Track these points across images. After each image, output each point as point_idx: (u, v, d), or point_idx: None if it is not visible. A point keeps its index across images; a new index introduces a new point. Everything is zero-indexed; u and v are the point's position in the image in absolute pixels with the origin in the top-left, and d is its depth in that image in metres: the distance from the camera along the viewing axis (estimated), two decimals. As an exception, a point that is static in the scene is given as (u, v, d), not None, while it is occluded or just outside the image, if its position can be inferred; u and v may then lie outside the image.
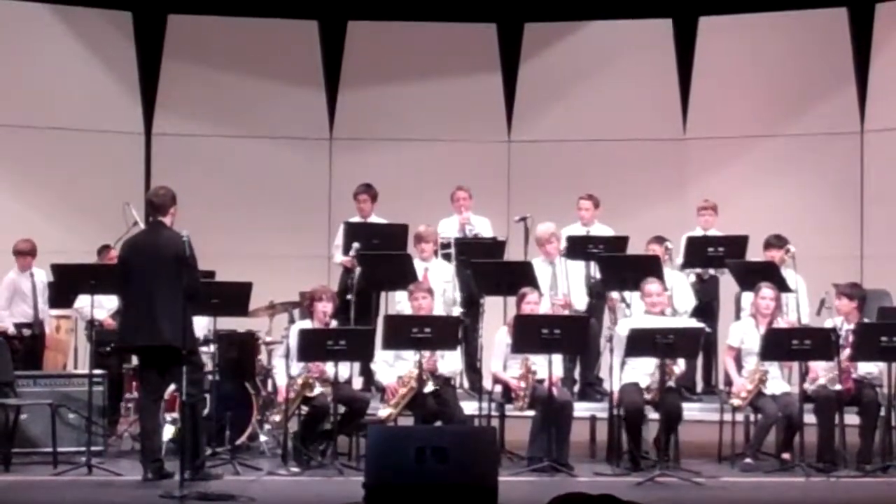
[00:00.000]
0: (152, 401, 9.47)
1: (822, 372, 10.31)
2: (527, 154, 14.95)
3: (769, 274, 10.93)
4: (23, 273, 11.90)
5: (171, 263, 9.22)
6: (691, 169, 14.69)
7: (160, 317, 9.19)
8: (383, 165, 14.24)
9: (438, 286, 11.24)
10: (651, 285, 10.46)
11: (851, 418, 10.42)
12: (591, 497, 4.25)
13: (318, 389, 10.10)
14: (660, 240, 11.61)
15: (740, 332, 10.61)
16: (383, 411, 10.20)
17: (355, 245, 11.36)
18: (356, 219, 12.26)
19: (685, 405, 10.59)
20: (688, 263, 11.95)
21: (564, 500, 4.26)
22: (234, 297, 10.14)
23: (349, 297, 11.23)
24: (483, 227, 12.29)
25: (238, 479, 9.39)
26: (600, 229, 12.21)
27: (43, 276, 11.79)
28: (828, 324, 10.50)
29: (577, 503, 4.22)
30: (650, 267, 10.84)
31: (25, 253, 11.87)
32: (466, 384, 11.63)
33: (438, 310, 10.90)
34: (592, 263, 11.37)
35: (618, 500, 4.21)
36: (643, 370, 10.18)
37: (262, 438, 10.62)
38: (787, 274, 11.18)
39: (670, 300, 10.89)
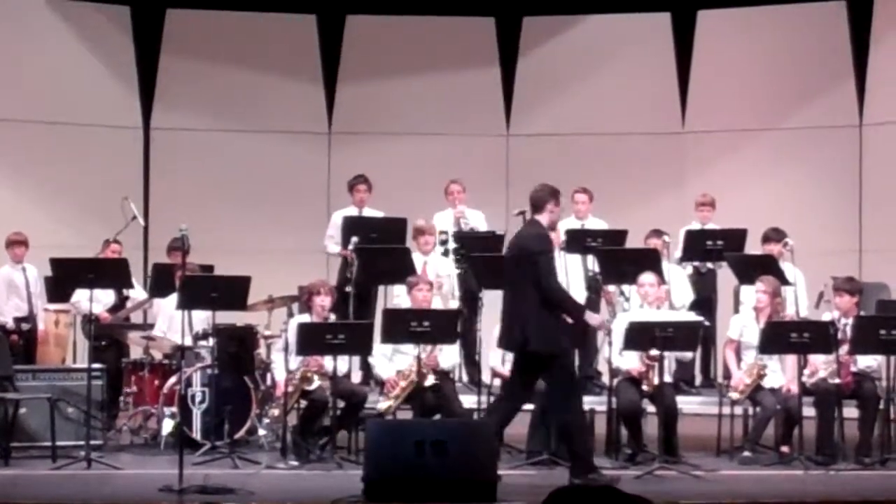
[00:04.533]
0: (512, 408, 9.23)
1: (821, 365, 10.31)
2: (525, 148, 14.95)
3: (767, 267, 10.93)
4: (16, 266, 11.90)
5: (523, 262, 8.98)
6: (690, 163, 14.69)
7: (512, 320, 8.99)
8: (382, 159, 14.22)
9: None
10: (644, 276, 10.47)
11: (850, 411, 10.43)
12: (592, 489, 4.23)
13: (316, 383, 10.10)
14: (658, 233, 11.62)
15: (740, 326, 10.61)
16: (382, 404, 10.20)
17: (354, 239, 11.35)
18: (351, 210, 12.25)
19: (684, 398, 10.59)
20: (686, 257, 11.96)
21: (565, 493, 4.24)
22: (233, 292, 10.11)
23: (348, 289, 11.21)
24: (477, 221, 12.29)
25: (237, 473, 9.38)
26: (594, 223, 12.21)
27: (34, 271, 11.79)
28: (826, 317, 10.50)
29: (577, 496, 4.20)
30: (649, 260, 10.84)
31: (19, 243, 11.86)
32: (465, 378, 11.63)
33: (437, 303, 10.91)
34: (591, 257, 11.37)
35: (619, 493, 4.19)
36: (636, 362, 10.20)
37: (261, 432, 10.62)
38: (786, 267, 11.20)
39: (668, 294, 10.89)
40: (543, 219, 9.14)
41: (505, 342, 9.26)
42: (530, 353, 8.96)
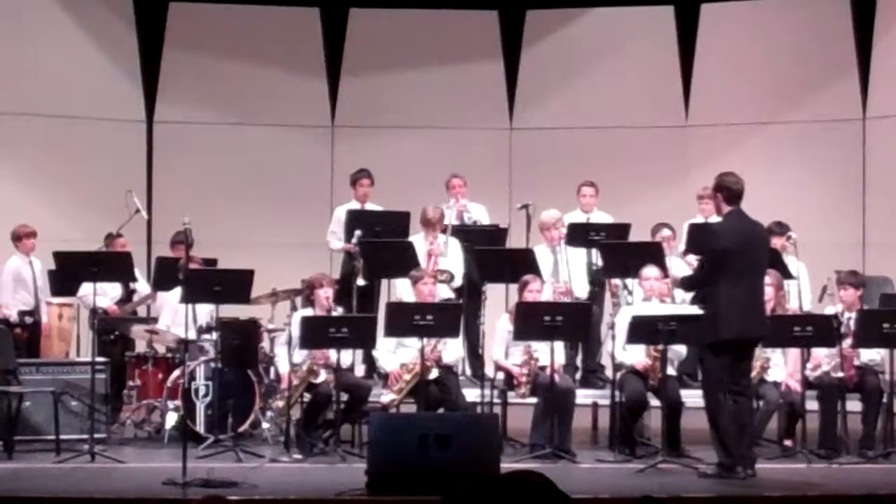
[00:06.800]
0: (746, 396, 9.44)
1: (824, 359, 10.32)
2: (528, 141, 14.95)
3: (771, 261, 10.92)
4: (25, 258, 11.90)
5: (767, 251, 9.60)
6: (693, 156, 14.67)
7: (762, 306, 9.49)
8: (385, 153, 14.23)
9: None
10: (647, 269, 10.47)
11: (854, 405, 10.43)
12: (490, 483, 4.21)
13: (322, 376, 10.11)
14: (665, 227, 11.61)
15: (742, 320, 10.60)
16: (386, 397, 10.21)
17: (357, 232, 11.36)
18: (353, 205, 12.25)
19: (688, 392, 10.60)
20: (689, 250, 11.93)
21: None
22: (237, 285, 10.14)
23: (359, 282, 11.20)
24: (480, 214, 12.28)
25: (241, 466, 9.40)
26: (600, 216, 12.20)
27: (39, 264, 11.79)
28: (829, 311, 10.50)
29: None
30: (652, 254, 10.83)
31: (30, 234, 11.85)
32: (468, 371, 11.64)
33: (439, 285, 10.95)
34: (594, 250, 11.37)
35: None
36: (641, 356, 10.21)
37: (265, 426, 10.63)
38: (789, 261, 11.19)
39: (670, 288, 10.88)
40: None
41: (764, 328, 9.38)
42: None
